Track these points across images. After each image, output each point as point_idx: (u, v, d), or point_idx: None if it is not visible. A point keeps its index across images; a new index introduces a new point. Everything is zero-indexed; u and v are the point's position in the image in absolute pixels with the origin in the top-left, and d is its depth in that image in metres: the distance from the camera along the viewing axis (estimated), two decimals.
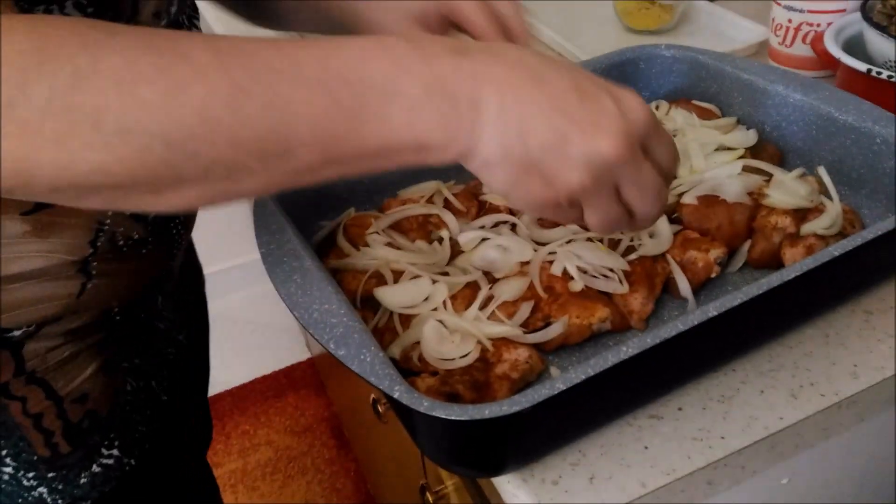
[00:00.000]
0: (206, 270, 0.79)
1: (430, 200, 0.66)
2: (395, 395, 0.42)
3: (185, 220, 0.60)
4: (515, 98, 0.39)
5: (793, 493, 0.56)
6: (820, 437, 0.52)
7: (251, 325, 1.96)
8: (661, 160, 0.43)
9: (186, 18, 0.56)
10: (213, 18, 1.11)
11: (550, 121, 0.39)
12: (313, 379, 1.85)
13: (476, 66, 0.39)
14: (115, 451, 0.56)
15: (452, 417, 0.41)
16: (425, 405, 0.42)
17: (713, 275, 0.58)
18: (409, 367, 0.53)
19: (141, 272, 0.55)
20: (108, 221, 0.50)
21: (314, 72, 0.37)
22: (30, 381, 0.51)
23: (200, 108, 0.35)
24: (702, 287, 0.59)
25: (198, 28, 0.58)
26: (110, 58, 0.34)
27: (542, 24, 1.00)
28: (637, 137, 0.41)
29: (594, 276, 0.57)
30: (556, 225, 0.63)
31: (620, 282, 0.57)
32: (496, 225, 0.64)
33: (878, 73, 0.71)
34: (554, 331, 0.54)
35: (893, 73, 0.71)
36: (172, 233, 0.58)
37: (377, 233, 0.62)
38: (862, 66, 0.73)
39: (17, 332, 0.49)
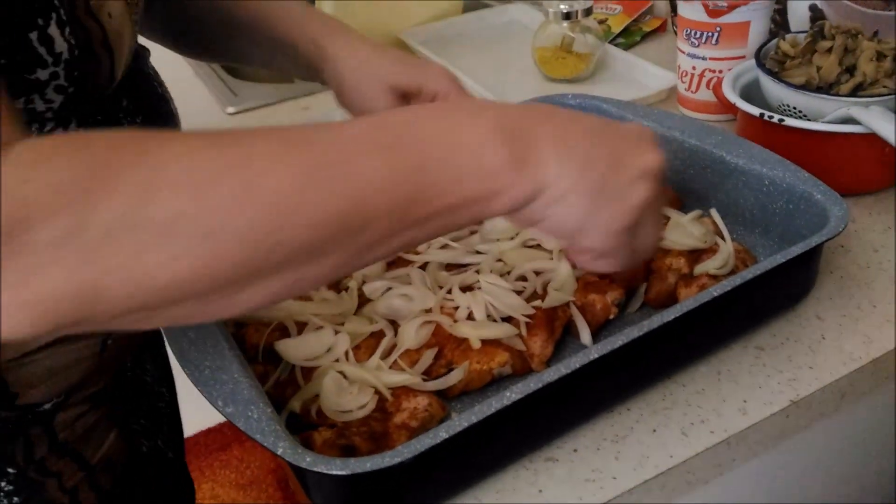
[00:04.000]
0: None
1: None
2: (279, 452, 0.42)
3: None
4: (565, 130, 0.41)
5: None
6: (712, 473, 0.53)
7: None
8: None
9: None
10: None
11: (605, 145, 0.42)
12: None
13: (518, 111, 0.41)
14: None
15: (334, 472, 0.41)
16: (307, 460, 0.42)
17: (611, 316, 0.60)
18: (310, 421, 0.53)
19: None
20: None
21: (374, 140, 0.37)
22: (63, 453, 0.51)
23: (275, 199, 0.33)
24: (602, 328, 0.61)
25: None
26: (172, 165, 0.32)
27: (464, 74, 1.02)
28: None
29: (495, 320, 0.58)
30: (457, 268, 0.64)
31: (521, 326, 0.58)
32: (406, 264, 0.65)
33: (770, 117, 0.75)
34: (454, 377, 0.55)
35: (784, 118, 0.74)
36: None
37: None
38: (755, 111, 0.76)
39: (47, 405, 0.50)
